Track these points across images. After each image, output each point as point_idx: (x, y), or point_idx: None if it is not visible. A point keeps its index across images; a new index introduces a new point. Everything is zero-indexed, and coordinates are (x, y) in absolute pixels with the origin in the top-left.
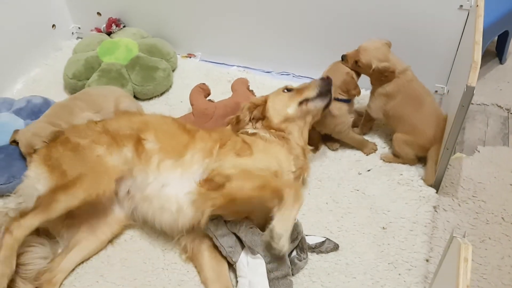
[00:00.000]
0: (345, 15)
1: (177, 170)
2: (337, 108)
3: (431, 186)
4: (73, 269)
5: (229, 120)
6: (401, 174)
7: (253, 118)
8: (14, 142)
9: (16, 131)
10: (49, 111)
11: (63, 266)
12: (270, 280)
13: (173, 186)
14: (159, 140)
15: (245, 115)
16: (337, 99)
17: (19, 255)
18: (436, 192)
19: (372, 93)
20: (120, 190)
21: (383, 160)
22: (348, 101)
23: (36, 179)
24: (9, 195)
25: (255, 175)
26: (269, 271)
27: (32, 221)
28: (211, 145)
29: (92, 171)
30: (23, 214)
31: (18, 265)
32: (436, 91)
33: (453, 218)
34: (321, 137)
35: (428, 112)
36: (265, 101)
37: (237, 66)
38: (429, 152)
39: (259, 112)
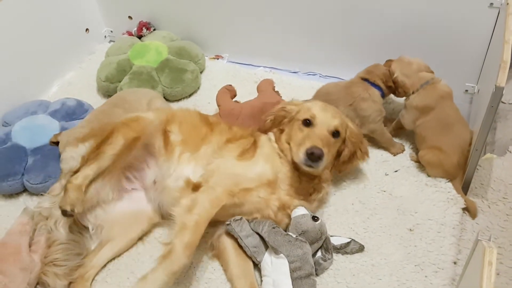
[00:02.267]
0: (372, 15)
1: (191, 163)
2: (376, 95)
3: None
4: (105, 265)
5: (266, 117)
6: (429, 175)
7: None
8: (53, 143)
9: (58, 134)
10: (90, 116)
11: (95, 262)
12: (293, 280)
13: (185, 180)
14: (182, 132)
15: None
16: (376, 87)
17: (53, 253)
18: (466, 194)
19: (405, 104)
20: (148, 179)
21: (413, 160)
22: (383, 94)
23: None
24: (43, 195)
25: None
26: (292, 271)
27: (87, 171)
28: (225, 139)
29: (125, 122)
30: (76, 170)
31: (51, 262)
32: (467, 90)
33: (482, 220)
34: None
35: (453, 140)
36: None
37: (264, 67)
38: (453, 183)
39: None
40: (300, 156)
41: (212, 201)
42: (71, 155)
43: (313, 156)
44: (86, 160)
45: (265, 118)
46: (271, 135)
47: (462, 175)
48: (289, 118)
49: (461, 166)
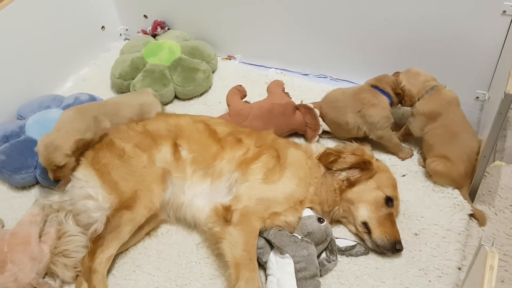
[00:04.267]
0: (384, 21)
1: (207, 180)
2: (385, 102)
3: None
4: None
5: (326, 153)
6: (436, 184)
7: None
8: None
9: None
10: (90, 106)
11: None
12: (298, 280)
13: (203, 197)
14: (192, 150)
15: (345, 163)
16: (385, 94)
17: (63, 244)
18: (473, 201)
19: (412, 112)
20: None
21: (421, 165)
22: (391, 102)
23: (84, 181)
24: (53, 189)
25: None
26: (297, 271)
27: (110, 251)
28: (240, 154)
29: (145, 187)
30: (99, 242)
31: (61, 253)
32: (477, 97)
33: (488, 227)
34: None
35: (460, 148)
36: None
37: (275, 68)
38: (460, 190)
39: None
40: (386, 243)
41: (252, 233)
42: (94, 206)
43: (398, 251)
44: (108, 230)
45: (342, 156)
46: (309, 147)
47: (469, 183)
48: (365, 174)
49: (468, 175)
